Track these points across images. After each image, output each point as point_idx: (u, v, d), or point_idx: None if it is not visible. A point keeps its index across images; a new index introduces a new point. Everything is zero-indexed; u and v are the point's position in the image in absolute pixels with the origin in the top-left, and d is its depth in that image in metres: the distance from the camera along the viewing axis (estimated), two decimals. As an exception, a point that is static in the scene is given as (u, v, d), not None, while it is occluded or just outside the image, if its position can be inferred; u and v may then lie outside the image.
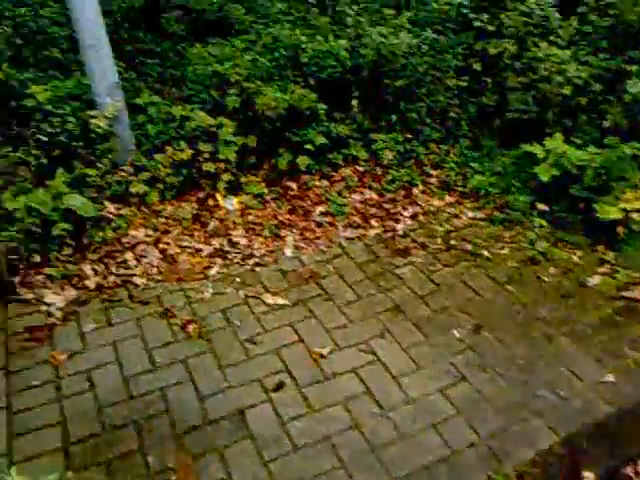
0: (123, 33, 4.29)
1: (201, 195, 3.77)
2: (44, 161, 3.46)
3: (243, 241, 3.45)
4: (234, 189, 3.81)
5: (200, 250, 3.36)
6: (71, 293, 2.96)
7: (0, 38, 3.49)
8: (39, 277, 3.00)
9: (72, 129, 3.52)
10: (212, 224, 3.57)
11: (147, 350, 2.66)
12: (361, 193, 3.92)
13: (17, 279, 2.97)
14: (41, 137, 3.46)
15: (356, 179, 4.03)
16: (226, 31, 4.43)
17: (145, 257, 3.26)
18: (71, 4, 3.31)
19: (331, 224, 3.63)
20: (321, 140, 4.00)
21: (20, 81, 3.45)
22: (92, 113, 3.53)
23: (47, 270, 3.03)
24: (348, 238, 3.51)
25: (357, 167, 4.14)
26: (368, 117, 4.33)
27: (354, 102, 4.28)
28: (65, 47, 3.80)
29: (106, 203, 3.48)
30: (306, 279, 3.16)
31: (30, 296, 2.89)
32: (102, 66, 3.45)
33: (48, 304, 2.86)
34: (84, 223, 3.27)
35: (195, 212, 3.64)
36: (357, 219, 3.67)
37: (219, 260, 3.29)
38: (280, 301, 2.99)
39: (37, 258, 3.06)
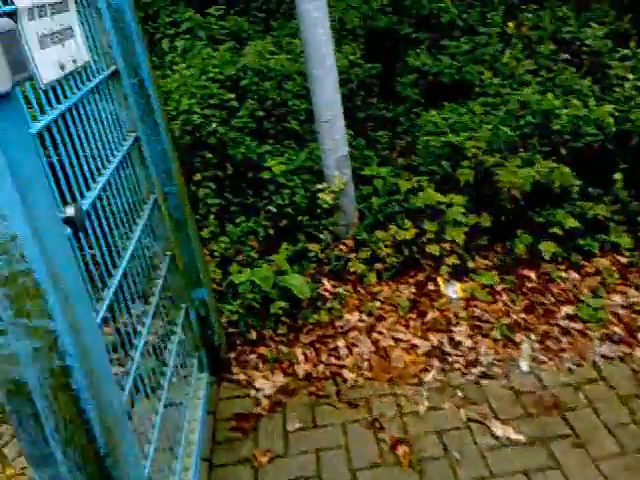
0: (357, 100, 4.24)
1: (421, 277, 3.40)
2: (271, 232, 3.49)
3: (467, 341, 2.95)
4: (459, 274, 3.35)
5: (416, 346, 2.96)
6: (280, 379, 2.81)
7: (245, 112, 3.66)
8: (252, 356, 2.94)
9: (300, 201, 3.51)
10: (431, 314, 3.15)
11: (351, 470, 2.32)
12: (624, 294, 3.10)
13: (233, 355, 2.95)
14: (271, 208, 3.51)
15: (617, 274, 3.21)
16: (465, 94, 4.06)
17: (357, 346, 2.99)
18: (311, 78, 3.32)
19: (582, 333, 2.90)
20: (572, 223, 3.31)
21: (259, 154, 3.56)
22: (320, 186, 3.47)
23: (261, 350, 2.96)
24: (606, 356, 2.74)
25: (618, 258, 3.32)
26: (635, 195, 3.50)
27: (617, 176, 3.49)
28: (302, 118, 3.86)
29: (324, 280, 3.34)
30: (547, 408, 2.51)
31: (242, 377, 2.82)
32: (334, 140, 3.37)
33: (257, 389, 2.76)
34: (300, 301, 3.16)
35: (413, 297, 3.28)
36: (618, 330, 2.88)
37: (437, 362, 2.84)
38: (512, 435, 2.39)
39: (253, 335, 3.02)
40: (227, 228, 3.52)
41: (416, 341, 2.98)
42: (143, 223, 2.04)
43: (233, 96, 3.72)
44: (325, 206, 3.42)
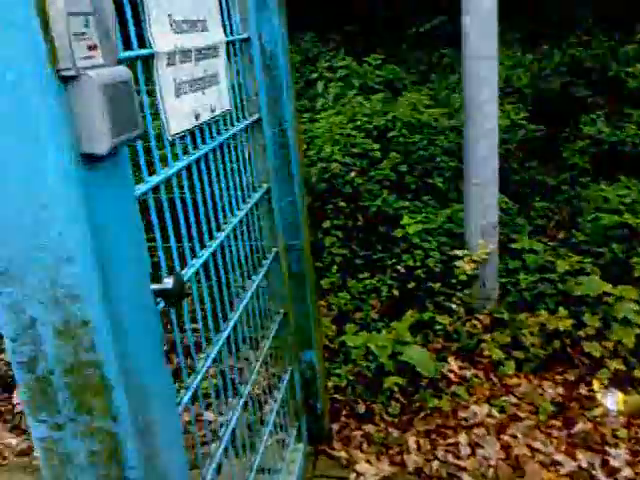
0: (513, 162, 3.83)
1: (571, 377, 2.85)
2: (396, 293, 3.20)
3: (626, 470, 2.35)
4: (622, 382, 2.75)
5: (558, 463, 2.43)
6: (386, 467, 2.47)
7: (388, 164, 3.46)
8: (357, 433, 2.63)
9: (432, 265, 3.18)
10: (581, 426, 2.59)
11: None
12: None
13: (335, 427, 2.67)
14: (399, 268, 3.23)
15: None
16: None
17: (482, 447, 2.53)
18: (467, 136, 3.03)
19: None
20: None
21: (395, 209, 3.33)
22: (459, 252, 3.12)
23: (369, 427, 2.65)
24: None
25: None
26: None
27: None
28: (448, 176, 3.56)
29: (450, 359, 2.95)
30: None
31: (343, 455, 2.53)
32: (483, 205, 3.02)
33: (358, 473, 2.44)
34: (419, 379, 2.80)
35: (559, 400, 2.74)
36: None
37: (583, 490, 2.29)
38: None
39: (362, 408, 2.72)
40: (349, 282, 3.30)
41: (558, 457, 2.45)
42: (259, 279, 1.89)
43: (377, 147, 3.55)
44: (462, 276, 3.05)
